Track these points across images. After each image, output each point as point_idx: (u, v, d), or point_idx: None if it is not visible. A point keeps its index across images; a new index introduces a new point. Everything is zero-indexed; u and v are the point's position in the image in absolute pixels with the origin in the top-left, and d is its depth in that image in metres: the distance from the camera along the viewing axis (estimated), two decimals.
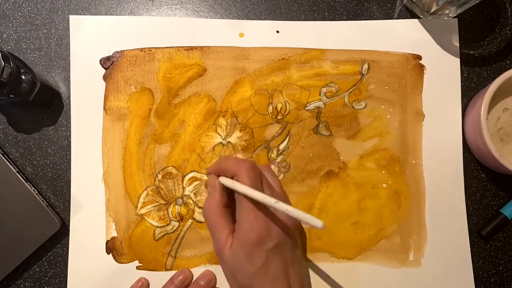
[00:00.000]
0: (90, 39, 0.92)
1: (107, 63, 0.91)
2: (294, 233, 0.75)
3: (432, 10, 0.90)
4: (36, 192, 0.88)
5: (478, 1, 0.83)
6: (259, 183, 0.73)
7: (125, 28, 0.93)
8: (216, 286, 0.89)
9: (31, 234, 0.87)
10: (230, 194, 0.76)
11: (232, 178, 0.73)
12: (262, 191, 0.71)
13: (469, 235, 0.91)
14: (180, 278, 0.87)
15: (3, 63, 0.75)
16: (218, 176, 0.78)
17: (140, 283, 0.87)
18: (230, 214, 0.75)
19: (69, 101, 0.91)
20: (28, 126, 0.91)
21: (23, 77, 0.81)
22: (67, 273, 0.88)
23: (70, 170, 0.90)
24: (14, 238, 0.87)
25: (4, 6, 0.93)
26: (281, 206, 0.64)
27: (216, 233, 0.73)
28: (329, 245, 0.89)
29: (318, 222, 0.60)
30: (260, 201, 0.67)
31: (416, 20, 0.94)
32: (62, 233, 0.89)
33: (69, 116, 0.91)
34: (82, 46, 0.92)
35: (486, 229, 0.90)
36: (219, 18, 0.94)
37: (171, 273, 0.89)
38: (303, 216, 0.63)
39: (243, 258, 0.69)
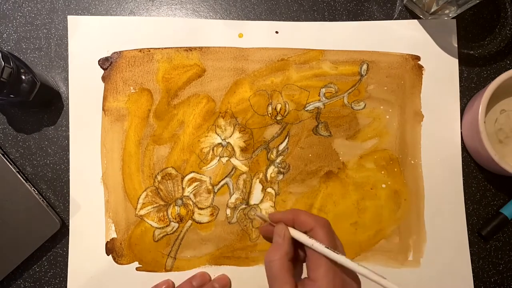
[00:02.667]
0: (88, 40, 0.93)
1: (106, 63, 0.91)
2: None
3: (432, 10, 0.90)
4: (36, 192, 0.88)
5: (478, 1, 0.83)
6: (336, 243, 0.70)
7: (123, 28, 0.93)
8: None
9: (31, 234, 0.87)
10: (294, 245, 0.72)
11: (305, 232, 0.70)
12: (338, 250, 0.68)
13: (469, 235, 0.91)
14: (199, 280, 0.88)
15: (3, 63, 0.75)
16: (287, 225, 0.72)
17: (164, 286, 0.88)
18: (293, 267, 0.70)
19: (69, 101, 0.91)
20: (28, 126, 0.91)
21: (23, 77, 0.80)
22: (67, 273, 0.89)
23: (70, 170, 0.90)
24: (14, 238, 0.87)
25: (4, 6, 0.93)
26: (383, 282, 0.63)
27: (278, 286, 0.67)
28: None
29: None
30: (357, 271, 0.65)
31: (415, 20, 0.94)
32: (62, 233, 0.89)
33: (69, 116, 0.91)
34: (80, 47, 0.92)
35: (486, 229, 0.90)
36: (219, 18, 0.94)
37: (171, 274, 0.89)
38: None
39: None
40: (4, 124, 0.91)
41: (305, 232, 0.69)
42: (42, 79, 0.86)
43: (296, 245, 0.71)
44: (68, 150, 0.91)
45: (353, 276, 0.68)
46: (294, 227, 0.71)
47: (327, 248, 0.65)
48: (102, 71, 0.91)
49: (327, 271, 0.65)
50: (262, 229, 0.78)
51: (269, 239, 0.75)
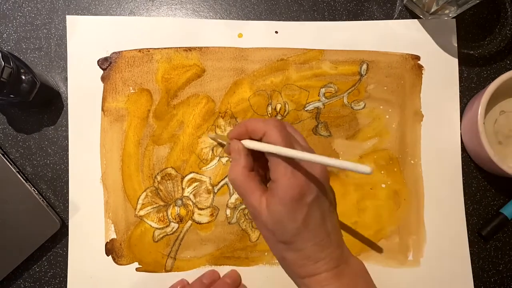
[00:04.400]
0: (87, 40, 0.92)
1: (105, 64, 0.91)
2: (327, 186, 0.73)
3: (432, 10, 0.90)
4: (36, 192, 0.88)
5: (478, 1, 0.83)
6: (291, 140, 0.71)
7: (123, 28, 0.93)
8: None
9: (31, 234, 0.87)
10: (254, 156, 0.74)
11: (260, 139, 0.71)
12: (294, 148, 0.69)
13: (469, 235, 0.91)
14: (209, 278, 0.88)
15: (3, 63, 0.75)
16: (241, 140, 0.74)
17: (180, 285, 0.88)
18: (258, 176, 0.73)
19: (68, 102, 0.91)
20: (28, 126, 0.91)
21: (23, 77, 0.80)
22: (67, 273, 0.89)
23: (69, 171, 0.90)
24: (14, 238, 0.87)
25: (4, 6, 0.93)
26: (327, 160, 0.63)
27: (248, 197, 0.71)
28: None
29: (366, 168, 0.58)
30: (302, 159, 0.65)
31: (414, 20, 0.94)
32: (62, 233, 0.90)
33: (68, 117, 0.91)
34: (79, 47, 0.92)
35: (486, 229, 0.90)
36: (219, 18, 0.94)
37: (171, 274, 0.89)
38: (352, 165, 0.60)
39: (284, 216, 0.67)
40: (4, 124, 0.91)
41: (260, 139, 0.71)
42: (42, 79, 0.86)
43: (259, 154, 0.73)
44: (68, 150, 0.91)
45: (318, 170, 0.69)
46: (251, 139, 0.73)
47: (277, 146, 0.66)
48: (101, 71, 0.91)
49: (285, 169, 0.67)
50: (226, 150, 0.83)
51: None
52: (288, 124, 0.77)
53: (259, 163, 0.75)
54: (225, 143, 0.81)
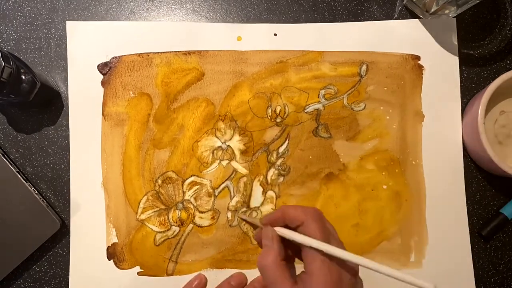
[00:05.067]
0: (87, 45, 0.92)
1: (105, 68, 0.91)
2: (358, 279, 0.71)
3: (432, 10, 0.89)
4: (36, 192, 0.88)
5: (478, 1, 0.83)
6: (329, 235, 0.69)
7: (122, 33, 0.93)
8: None
9: (31, 234, 0.87)
10: (286, 243, 0.72)
11: (296, 227, 0.69)
12: (330, 242, 0.66)
13: (469, 236, 0.91)
14: (237, 280, 0.87)
15: (3, 63, 0.75)
16: (274, 226, 0.72)
17: (196, 282, 0.88)
18: (289, 266, 0.69)
19: (69, 107, 0.91)
20: (28, 126, 0.91)
21: (23, 77, 0.81)
22: (67, 273, 0.89)
23: (70, 170, 0.90)
24: (14, 238, 0.87)
25: (4, 6, 0.93)
26: (378, 267, 0.62)
27: (277, 287, 0.66)
28: None
29: (429, 286, 0.58)
30: (348, 260, 0.64)
31: (414, 20, 0.94)
32: (62, 233, 0.90)
33: (69, 122, 0.91)
34: (79, 52, 0.92)
35: (486, 229, 0.90)
36: (219, 18, 0.94)
37: (173, 278, 0.89)
38: (410, 279, 0.61)
39: None
40: (4, 124, 0.91)
41: (297, 227, 0.69)
42: (42, 79, 0.86)
43: (288, 242, 0.70)
44: (68, 150, 0.91)
45: (349, 265, 0.67)
46: (286, 225, 0.71)
47: (320, 242, 0.64)
48: (102, 76, 0.91)
49: (322, 263, 0.65)
50: (257, 236, 0.78)
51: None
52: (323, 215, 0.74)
53: (288, 249, 0.73)
54: (258, 225, 0.78)
